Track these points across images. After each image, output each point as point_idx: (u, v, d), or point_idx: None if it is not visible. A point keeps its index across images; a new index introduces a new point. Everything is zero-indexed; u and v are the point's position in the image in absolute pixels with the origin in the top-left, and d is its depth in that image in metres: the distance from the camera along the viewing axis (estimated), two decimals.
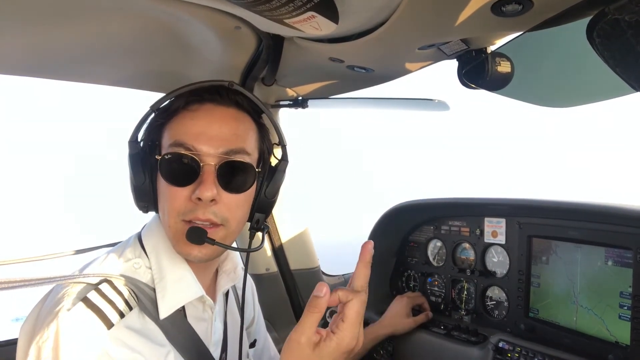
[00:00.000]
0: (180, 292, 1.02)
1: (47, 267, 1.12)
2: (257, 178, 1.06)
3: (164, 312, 0.98)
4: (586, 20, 0.77)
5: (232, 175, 1.00)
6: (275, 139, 1.15)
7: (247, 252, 1.09)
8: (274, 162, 1.14)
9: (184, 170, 0.97)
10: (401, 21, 0.95)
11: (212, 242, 0.97)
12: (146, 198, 1.04)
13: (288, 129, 1.89)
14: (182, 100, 1.02)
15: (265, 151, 1.12)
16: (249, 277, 1.26)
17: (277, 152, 1.15)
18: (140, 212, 1.09)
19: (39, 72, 1.36)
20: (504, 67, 1.13)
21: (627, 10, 0.70)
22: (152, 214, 1.11)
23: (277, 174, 1.11)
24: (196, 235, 0.97)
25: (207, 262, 1.09)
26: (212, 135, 0.99)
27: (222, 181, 0.98)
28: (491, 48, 1.14)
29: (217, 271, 1.20)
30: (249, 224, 1.13)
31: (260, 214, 1.11)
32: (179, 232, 0.99)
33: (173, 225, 0.99)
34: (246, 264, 1.17)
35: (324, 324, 1.90)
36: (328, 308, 1.96)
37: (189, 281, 1.04)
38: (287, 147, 1.14)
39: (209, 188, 0.95)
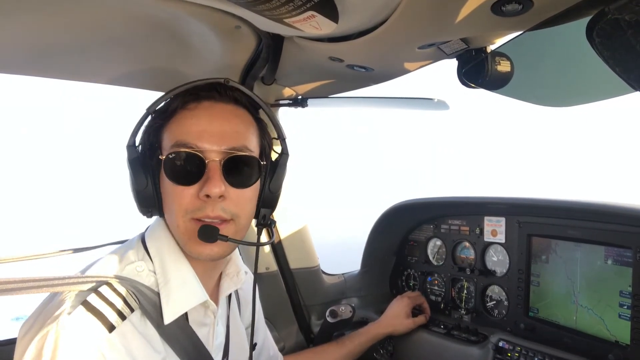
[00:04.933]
0: (185, 297, 1.01)
1: (47, 265, 1.12)
2: (261, 172, 1.06)
3: (169, 317, 0.97)
4: (586, 20, 0.77)
5: (237, 170, 1.00)
6: (274, 133, 1.15)
7: (257, 245, 1.09)
8: (274, 156, 1.14)
9: (189, 169, 0.97)
10: (401, 20, 0.95)
11: (225, 238, 0.97)
12: (150, 202, 1.02)
13: (288, 126, 1.89)
14: (179, 100, 1.01)
15: (266, 146, 1.12)
16: (252, 277, 1.25)
17: (277, 147, 1.15)
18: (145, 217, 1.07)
19: (34, 71, 1.34)
20: (503, 66, 1.12)
21: (627, 10, 0.70)
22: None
23: (279, 167, 1.11)
24: (208, 233, 0.96)
25: (213, 265, 1.09)
26: (214, 132, 0.98)
27: (228, 177, 0.98)
28: (491, 47, 1.13)
29: (220, 274, 1.19)
30: (254, 220, 1.13)
31: (266, 209, 1.12)
32: (189, 231, 0.98)
33: (182, 224, 0.98)
34: (256, 259, 1.15)
35: (324, 321, 1.91)
36: (329, 308, 1.98)
37: (194, 286, 1.03)
38: (286, 140, 1.14)
39: (217, 184, 0.95)
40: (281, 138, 1.13)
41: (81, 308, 0.87)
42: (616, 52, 0.80)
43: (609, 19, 0.72)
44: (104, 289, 0.91)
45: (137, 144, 1.03)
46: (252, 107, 1.09)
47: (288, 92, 1.72)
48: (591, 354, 1.42)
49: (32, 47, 1.17)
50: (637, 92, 0.90)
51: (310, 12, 0.89)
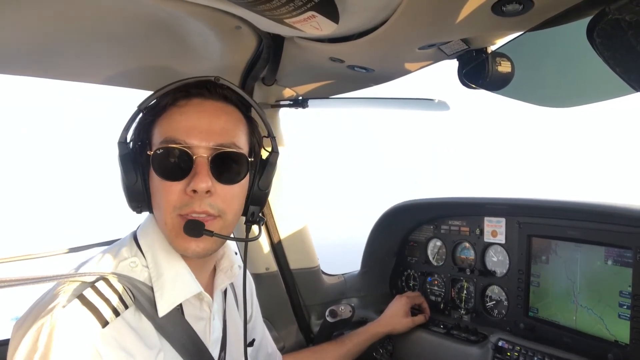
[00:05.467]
0: (179, 289, 1.02)
1: (42, 264, 1.13)
2: (249, 169, 1.06)
3: (163, 309, 0.98)
4: (586, 20, 0.77)
5: (225, 166, 1.00)
6: (264, 131, 1.15)
7: (245, 241, 1.10)
8: (264, 154, 1.15)
9: (177, 165, 0.97)
10: (401, 21, 0.95)
11: (211, 233, 0.97)
12: (139, 197, 1.03)
13: (288, 126, 1.89)
14: (169, 97, 1.02)
15: (255, 144, 1.12)
16: (247, 274, 1.25)
17: (268, 146, 1.15)
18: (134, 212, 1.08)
19: (31, 71, 1.32)
20: (504, 67, 1.12)
21: (627, 10, 0.70)
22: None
23: (269, 165, 1.12)
24: (194, 227, 0.97)
25: (204, 259, 1.09)
26: (203, 128, 0.99)
27: (215, 172, 0.98)
28: (491, 48, 1.14)
29: (214, 269, 1.20)
30: (244, 217, 1.13)
31: (254, 207, 1.12)
32: (176, 227, 0.99)
33: (170, 221, 0.99)
34: (245, 255, 1.17)
35: (323, 321, 1.91)
36: (328, 308, 1.98)
37: (187, 278, 1.04)
38: (275, 139, 1.14)
39: (204, 179, 0.95)
40: (271, 136, 1.13)
41: (76, 302, 0.88)
42: (617, 53, 0.81)
43: (610, 19, 0.72)
44: (101, 284, 0.93)
45: (128, 140, 1.04)
46: (243, 105, 1.10)
47: (289, 92, 1.72)
48: (591, 353, 1.42)
49: (29, 47, 1.16)
50: (638, 92, 0.90)
51: (311, 13, 0.89)
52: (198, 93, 1.03)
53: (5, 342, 1.54)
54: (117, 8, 1.03)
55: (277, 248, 1.96)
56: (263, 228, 1.89)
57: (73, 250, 1.18)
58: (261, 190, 1.11)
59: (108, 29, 1.13)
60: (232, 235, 1.09)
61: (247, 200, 1.10)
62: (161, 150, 0.98)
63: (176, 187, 0.98)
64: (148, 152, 1.01)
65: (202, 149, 0.98)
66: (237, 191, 1.05)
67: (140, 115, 1.05)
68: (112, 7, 1.03)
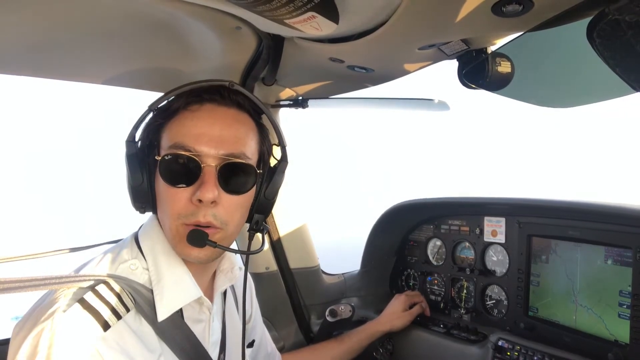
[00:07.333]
0: (178, 294, 1.01)
1: (43, 264, 1.12)
2: (256, 180, 1.06)
3: (162, 314, 0.97)
4: (586, 21, 0.77)
5: (233, 176, 0.99)
6: (274, 139, 1.14)
7: (247, 254, 1.09)
8: (273, 162, 1.14)
9: (184, 172, 0.97)
10: (401, 21, 0.95)
11: (214, 244, 0.97)
12: (144, 199, 1.03)
13: (287, 127, 1.89)
14: (181, 101, 1.01)
15: (265, 152, 1.11)
16: (247, 276, 1.25)
17: (277, 152, 1.15)
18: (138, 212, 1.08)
19: (31, 71, 1.33)
20: (504, 67, 1.13)
21: (627, 11, 0.70)
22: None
23: (277, 174, 1.11)
24: (197, 237, 0.97)
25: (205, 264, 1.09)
26: (214, 136, 0.98)
27: (222, 182, 0.98)
28: (491, 48, 1.14)
29: (214, 271, 1.19)
30: (248, 224, 1.12)
31: (259, 215, 1.11)
32: (179, 234, 0.98)
33: (174, 227, 0.99)
34: (246, 266, 1.17)
35: (323, 321, 1.91)
36: (328, 307, 1.97)
37: (187, 283, 1.03)
38: (286, 147, 1.14)
39: (210, 189, 0.95)
40: (281, 145, 1.13)
41: (77, 306, 0.88)
42: (617, 53, 0.81)
43: (610, 19, 0.73)
44: (101, 288, 0.92)
45: (136, 139, 1.04)
46: (255, 112, 1.09)
47: (288, 92, 1.72)
48: (591, 353, 1.42)
49: (30, 46, 1.16)
50: (638, 92, 0.90)
51: (311, 13, 0.89)
52: (211, 99, 1.02)
53: (5, 342, 1.55)
54: (116, 8, 1.03)
55: (277, 247, 1.97)
56: None
57: (75, 249, 1.18)
58: (267, 199, 1.10)
59: (108, 29, 1.13)
60: (235, 244, 1.09)
61: (252, 209, 1.10)
62: (169, 156, 0.97)
63: (182, 194, 0.97)
64: (156, 156, 1.00)
65: (210, 158, 0.97)
66: (242, 201, 1.04)
67: (151, 115, 1.04)
68: (112, 7, 1.03)
